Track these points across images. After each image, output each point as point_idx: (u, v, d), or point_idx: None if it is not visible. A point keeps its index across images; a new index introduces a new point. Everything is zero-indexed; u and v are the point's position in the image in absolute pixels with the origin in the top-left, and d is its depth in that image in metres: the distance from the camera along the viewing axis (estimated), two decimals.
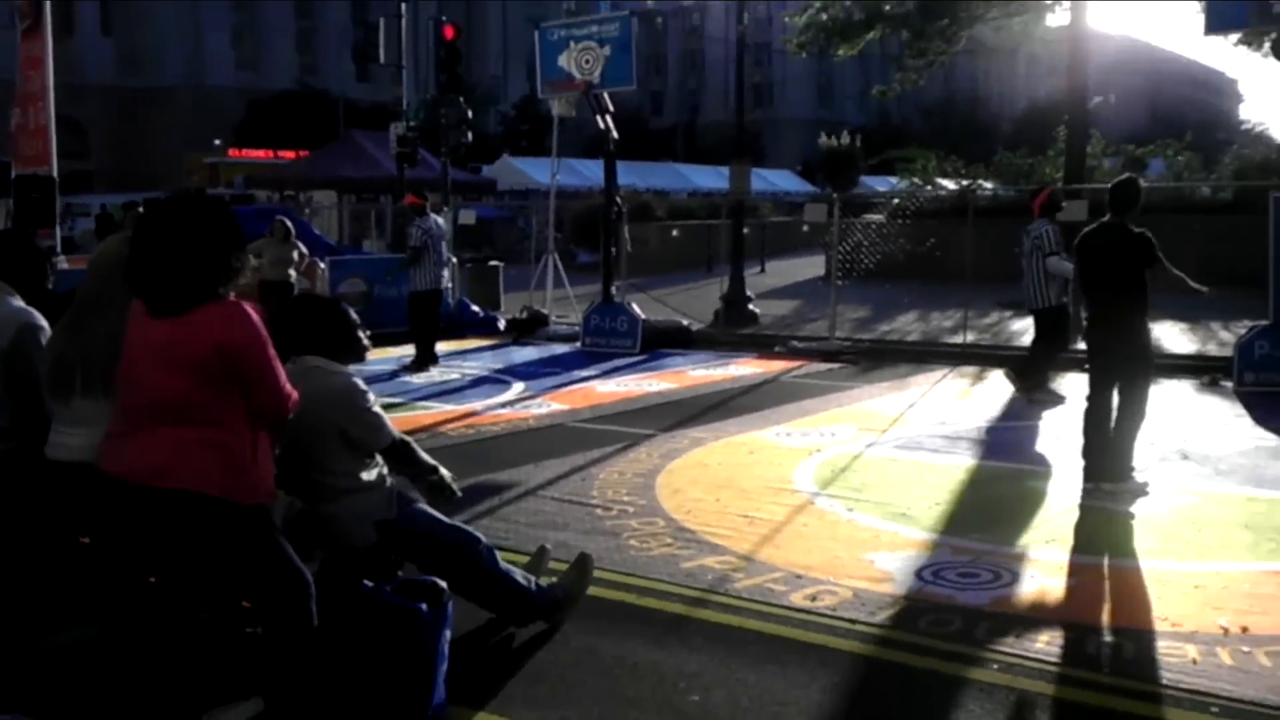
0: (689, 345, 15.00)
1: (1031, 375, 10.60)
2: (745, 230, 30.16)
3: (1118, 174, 15.92)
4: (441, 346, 14.42)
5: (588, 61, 14.39)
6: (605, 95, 14.59)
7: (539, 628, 4.74)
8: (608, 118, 14.52)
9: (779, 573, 5.47)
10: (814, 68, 79.09)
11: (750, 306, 16.77)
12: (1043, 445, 8.64)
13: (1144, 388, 6.98)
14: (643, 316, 14.71)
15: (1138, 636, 4.64)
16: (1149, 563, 5.61)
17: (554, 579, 4.93)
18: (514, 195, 37.02)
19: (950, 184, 26.93)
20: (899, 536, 6.11)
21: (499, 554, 4.66)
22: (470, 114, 18.76)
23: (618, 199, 15.02)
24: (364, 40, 50.70)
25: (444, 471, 4.59)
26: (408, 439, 4.53)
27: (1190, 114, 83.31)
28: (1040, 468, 7.81)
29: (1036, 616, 4.87)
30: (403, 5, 28.26)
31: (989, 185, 27.43)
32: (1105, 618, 4.87)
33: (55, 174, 15.04)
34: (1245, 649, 4.45)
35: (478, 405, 10.53)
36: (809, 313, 18.50)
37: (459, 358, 13.95)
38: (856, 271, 17.47)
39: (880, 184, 41.66)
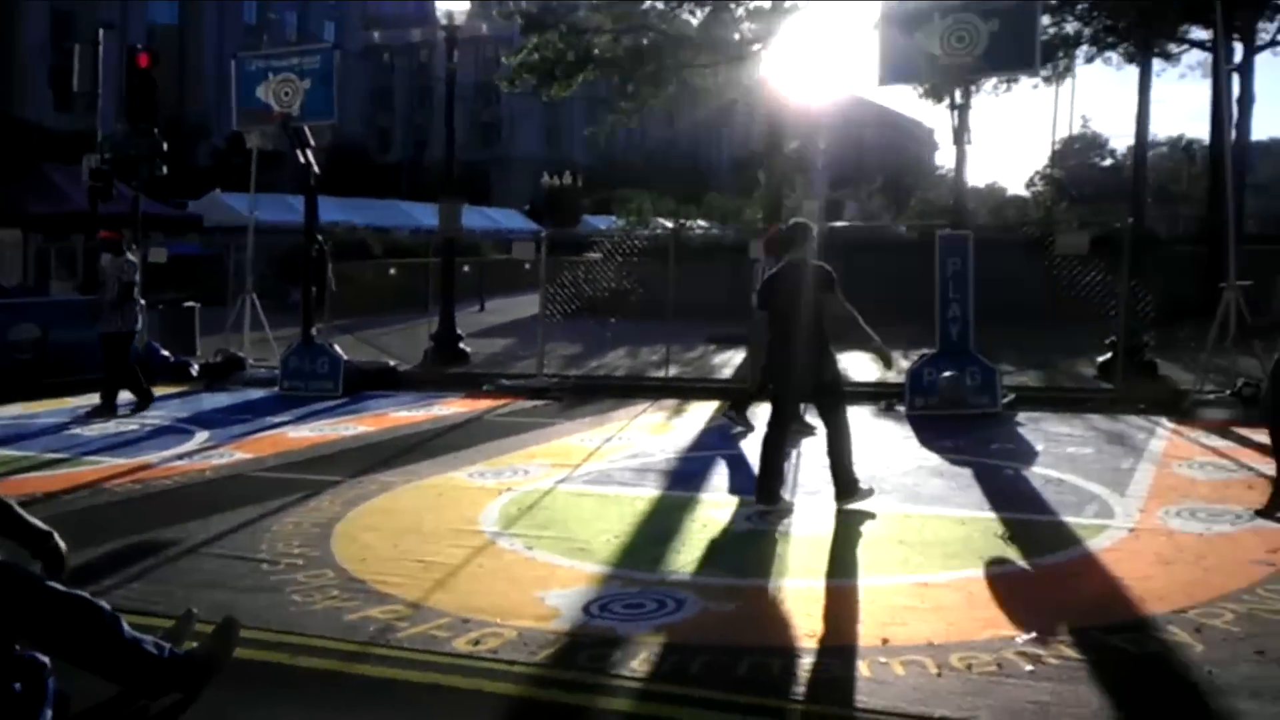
0: (395, 386, 14.68)
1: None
2: (465, 269, 30.22)
3: (816, 215, 17.03)
4: (123, 395, 13.58)
5: (287, 94, 13.90)
6: (306, 129, 14.12)
7: (174, 698, 4.39)
8: (308, 152, 14.06)
9: (446, 618, 5.31)
10: (543, 108, 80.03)
11: (461, 345, 16.59)
12: (729, 474, 8.86)
13: (843, 411, 7.43)
14: (345, 358, 14.27)
15: (786, 655, 4.75)
16: (807, 582, 5.80)
17: (194, 645, 4.60)
18: (223, 232, 35.35)
19: (667, 223, 27.75)
20: (574, 572, 6.09)
21: (147, 619, 4.29)
22: (165, 146, 17.71)
23: (319, 236, 14.53)
24: (59, 66, 47.39)
25: (58, 540, 4.17)
26: (9, 502, 4.11)
27: (892, 160, 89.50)
28: (721, 496, 8.02)
29: (692, 643, 4.92)
30: (100, 31, 26.58)
31: (703, 224, 28.50)
32: (757, 638, 4.98)
33: None
34: (883, 660, 4.64)
35: (153, 458, 9.85)
36: (522, 350, 18.48)
37: (136, 409, 13.06)
38: (570, 309, 17.67)
39: (603, 223, 42.61)
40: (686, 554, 6.41)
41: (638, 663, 4.69)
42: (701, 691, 4.39)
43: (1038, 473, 8.51)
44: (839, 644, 4.85)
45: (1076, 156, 71.87)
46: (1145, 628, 5.00)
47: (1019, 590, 5.62)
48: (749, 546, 6.60)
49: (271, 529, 7.14)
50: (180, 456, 9.94)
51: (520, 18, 20.53)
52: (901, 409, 11.52)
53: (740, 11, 19.62)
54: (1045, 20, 20.22)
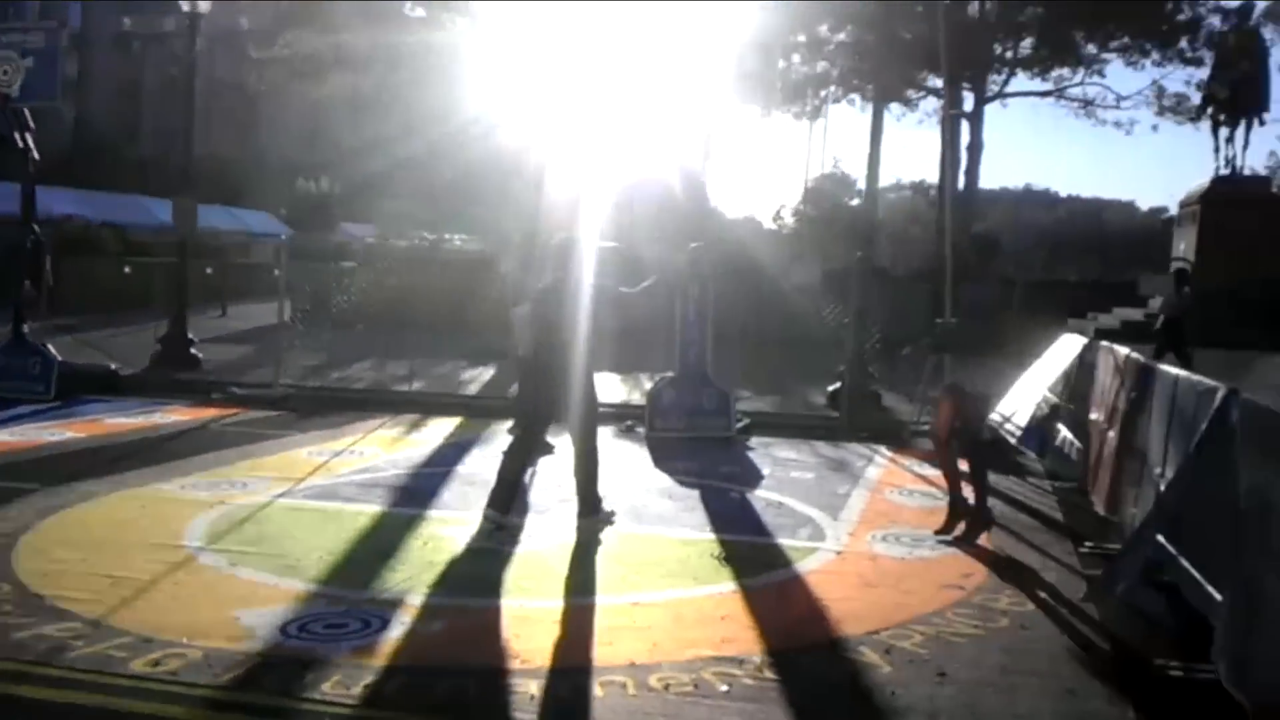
0: (116, 391, 13.77)
1: None
2: (209, 270, 28.84)
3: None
4: None
5: (5, 72, 12.84)
6: (26, 111, 13.08)
7: None
8: (28, 136, 13.04)
9: (127, 637, 4.96)
10: (306, 110, 77.48)
11: (192, 350, 15.75)
12: (457, 490, 8.69)
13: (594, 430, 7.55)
14: (59, 358, 13.28)
15: (485, 676, 4.67)
16: (520, 601, 5.74)
17: None
18: None
19: (430, 235, 27.36)
20: (278, 590, 5.81)
21: None
22: None
23: (35, 228, 13.49)
24: None
25: None
26: None
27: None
28: (448, 513, 7.85)
29: (392, 664, 4.77)
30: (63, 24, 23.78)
31: (462, 237, 28.23)
32: (459, 659, 4.87)
33: None
34: (581, 681, 4.62)
35: None
36: (261, 359, 17.72)
37: None
38: (318, 318, 17.09)
39: (363, 231, 41.50)
40: (401, 572, 6.24)
41: (330, 685, 4.51)
42: (394, 715, 4.25)
43: (760, 495, 8.76)
44: (541, 665, 4.81)
45: (828, 196, 75.64)
46: (839, 648, 5.18)
47: (726, 611, 5.73)
48: (468, 565, 6.48)
49: None
50: None
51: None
52: (641, 430, 11.66)
53: None
54: (797, 59, 21.18)
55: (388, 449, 10.47)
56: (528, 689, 4.52)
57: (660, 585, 6.11)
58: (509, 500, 7.35)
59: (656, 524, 7.66)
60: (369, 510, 7.81)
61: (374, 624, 5.28)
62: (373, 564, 6.37)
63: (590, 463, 7.45)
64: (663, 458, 10.34)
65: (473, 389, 14.95)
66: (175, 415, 12.19)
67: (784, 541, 7.25)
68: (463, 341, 18.45)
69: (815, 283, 12.32)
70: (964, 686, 4.73)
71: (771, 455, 10.78)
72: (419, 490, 8.62)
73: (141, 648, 4.84)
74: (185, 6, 14.90)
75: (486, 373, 16.29)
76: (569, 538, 7.13)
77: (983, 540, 7.19)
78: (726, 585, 6.20)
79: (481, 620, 5.47)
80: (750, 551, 6.99)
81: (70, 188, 42.85)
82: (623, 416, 12.30)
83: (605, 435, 11.43)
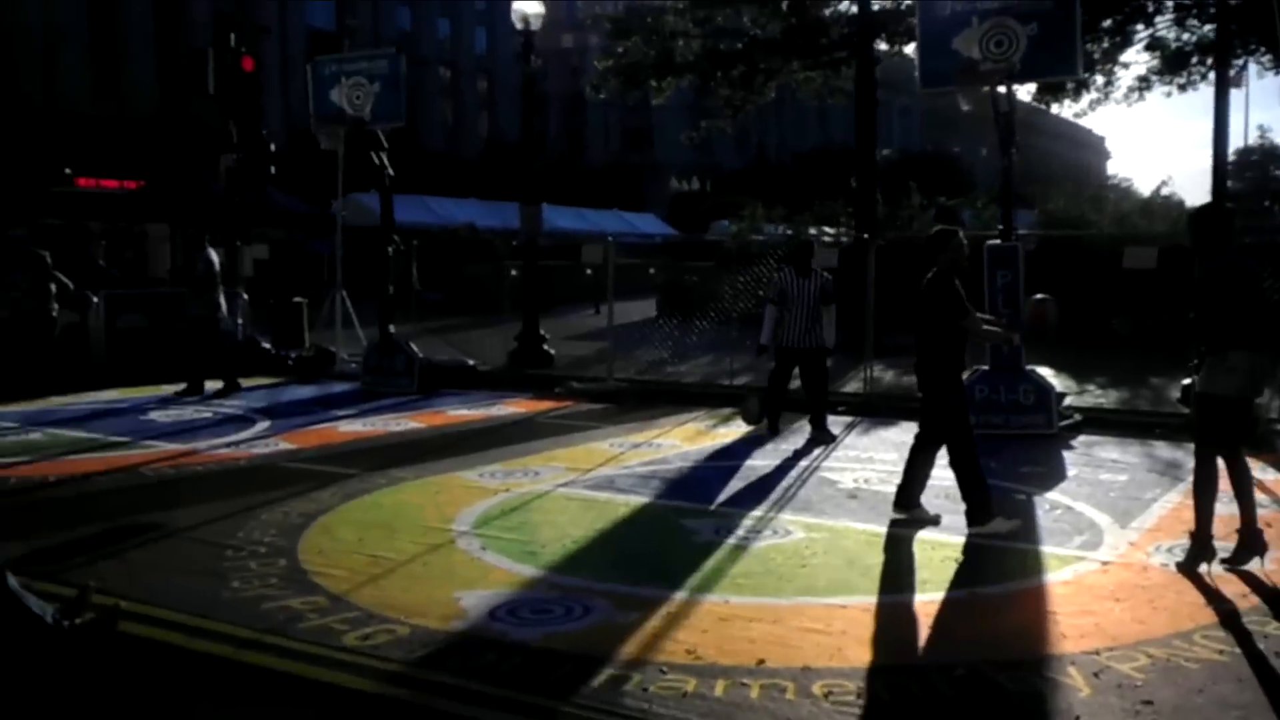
0: (473, 385, 14.98)
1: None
2: (589, 272, 30.57)
3: (933, 224, 16.60)
4: (214, 384, 14.29)
5: (358, 98, 14.36)
6: (380, 132, 14.56)
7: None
8: (382, 155, 14.50)
9: (355, 613, 5.46)
10: (692, 114, 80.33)
11: (545, 347, 16.82)
12: (733, 484, 8.74)
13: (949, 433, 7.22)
14: (420, 355, 14.65)
15: (650, 669, 4.72)
16: (725, 597, 5.73)
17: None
18: (363, 231, 36.73)
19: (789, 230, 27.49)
20: (510, 574, 6.16)
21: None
22: (272, 147, 18.46)
23: (396, 237, 14.96)
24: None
25: None
26: None
27: (1058, 168, 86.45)
28: (710, 506, 7.93)
29: (569, 651, 4.93)
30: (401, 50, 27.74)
31: (829, 231, 28.09)
32: (633, 652, 4.94)
33: None
34: (745, 681, 4.57)
35: (201, 444, 10.36)
36: (618, 354, 18.61)
37: (219, 399, 13.69)
38: (681, 313, 17.62)
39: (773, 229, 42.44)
40: (633, 562, 6.40)
41: (506, 668, 4.73)
42: (534, 699, 4.41)
43: (1049, 498, 8.17)
44: (714, 663, 4.79)
45: (1254, 169, 68.10)
46: (1042, 667, 4.78)
47: (940, 617, 5.43)
48: (701, 558, 6.53)
49: (261, 517, 7.43)
50: (229, 444, 10.40)
51: (608, 23, 20.71)
52: None
53: (828, 14, 19.36)
54: (1163, 21, 19.34)
55: (687, 442, 10.72)
56: (680, 687, 4.53)
57: (879, 588, 5.89)
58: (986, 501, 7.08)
59: (914, 524, 7.34)
60: (634, 501, 8.06)
61: (576, 611, 5.48)
62: (606, 553, 6.61)
63: (959, 465, 7.18)
64: None
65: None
66: (512, 407, 13.10)
67: (1047, 548, 6.75)
68: None
69: (1149, 263, 11.15)
70: (1165, 719, 4.22)
71: (1090, 455, 10.00)
72: (692, 482, 8.79)
73: (362, 622, 5.31)
74: (518, 24, 15.96)
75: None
76: (801, 535, 7.01)
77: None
78: (956, 591, 5.87)
79: (681, 615, 5.51)
80: (1002, 557, 6.57)
81: (479, 198, 47.02)
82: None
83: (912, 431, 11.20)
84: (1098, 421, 11.52)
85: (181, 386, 13.64)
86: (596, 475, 8.98)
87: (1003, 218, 11.57)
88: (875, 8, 18.70)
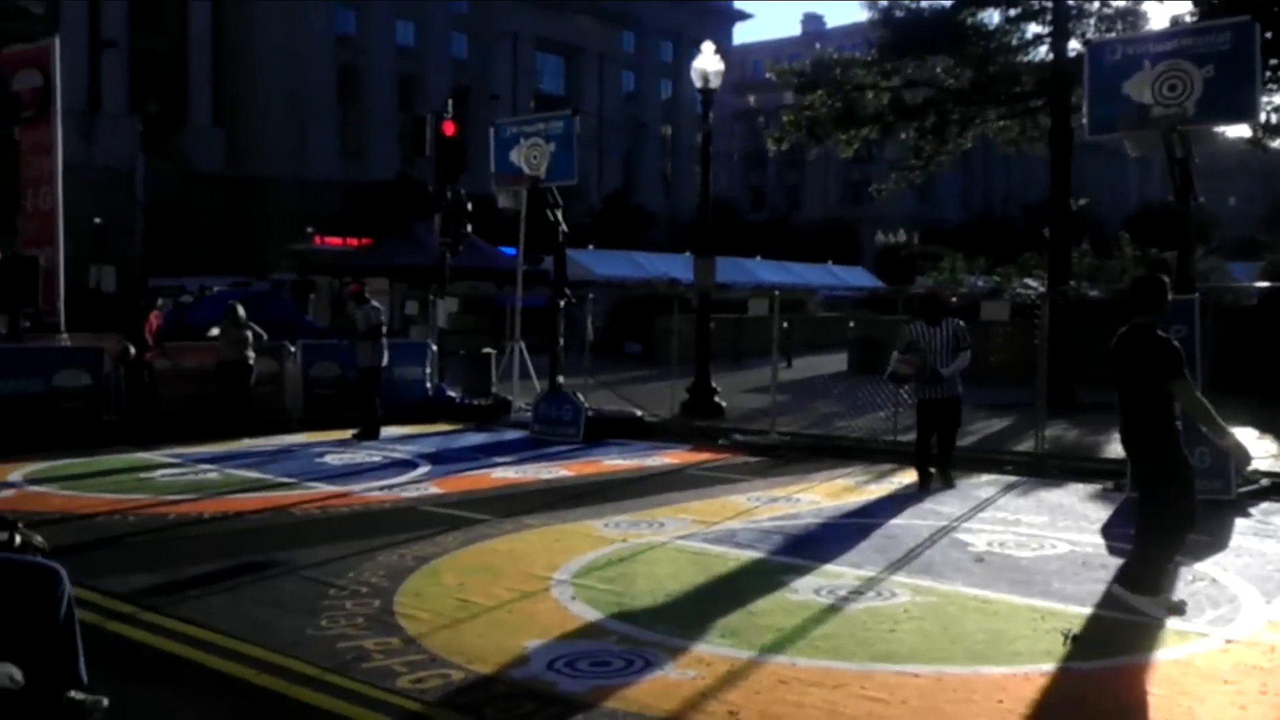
0: (639, 435, 15.09)
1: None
2: (785, 324, 30.41)
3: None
4: (396, 430, 14.96)
5: (535, 157, 14.83)
6: (554, 189, 14.98)
7: None
8: (556, 212, 14.90)
9: (422, 656, 5.56)
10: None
11: (716, 399, 16.80)
12: (857, 544, 8.44)
13: (1154, 501, 6.60)
14: (587, 406, 14.88)
15: None
16: (794, 659, 5.54)
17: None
18: (572, 286, 37.71)
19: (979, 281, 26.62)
20: (587, 624, 6.16)
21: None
22: (469, 205, 19.28)
23: (567, 290, 15.31)
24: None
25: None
26: None
27: None
28: (824, 565, 7.67)
29: (604, 708, 4.87)
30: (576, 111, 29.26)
31: (1030, 283, 27.06)
32: (671, 708, 4.83)
33: (61, 255, 16.04)
34: None
35: (357, 487, 10.81)
36: (792, 407, 18.42)
37: (402, 441, 14.28)
38: (870, 367, 17.31)
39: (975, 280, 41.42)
40: (716, 618, 6.27)
41: (541, 717, 4.72)
42: None
43: (1199, 569, 7.52)
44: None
45: None
46: None
47: (1016, 692, 5.08)
48: (789, 618, 6.33)
49: (378, 558, 7.69)
50: (383, 487, 10.83)
51: (795, 78, 20.65)
52: (1122, 493, 10.49)
53: (1022, 60, 18.69)
54: None
55: (830, 498, 10.45)
56: None
57: (962, 658, 5.55)
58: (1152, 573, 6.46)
59: (1036, 591, 6.91)
60: (746, 556, 7.91)
61: (635, 664, 5.42)
62: (694, 608, 6.49)
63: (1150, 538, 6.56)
64: (1122, 519, 9.24)
65: (972, 439, 14.28)
66: (668, 458, 13.12)
67: (1170, 623, 6.20)
68: (992, 394, 17.67)
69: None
70: None
71: (1264, 524, 9.21)
72: (815, 540, 8.55)
73: (423, 665, 5.41)
74: (697, 81, 16.16)
75: (998, 423, 15.51)
76: (904, 597, 6.69)
77: None
78: (1046, 665, 5.47)
79: (737, 675, 5.35)
80: (1116, 630, 6.09)
81: (685, 252, 47.54)
82: (1101, 473, 11.16)
83: (1080, 492, 10.59)
84: None
85: (356, 431, 14.30)
86: (720, 529, 8.87)
87: (1179, 268, 10.85)
88: (1071, 54, 17.98)
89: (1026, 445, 13.16)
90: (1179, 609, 6.32)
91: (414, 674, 5.29)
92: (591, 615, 6.33)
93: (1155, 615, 6.28)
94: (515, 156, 15.08)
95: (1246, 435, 13.90)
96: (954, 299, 11.86)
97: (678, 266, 42.60)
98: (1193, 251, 10.94)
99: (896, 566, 7.59)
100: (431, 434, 15.30)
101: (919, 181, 20.93)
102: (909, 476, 11.39)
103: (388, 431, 15.09)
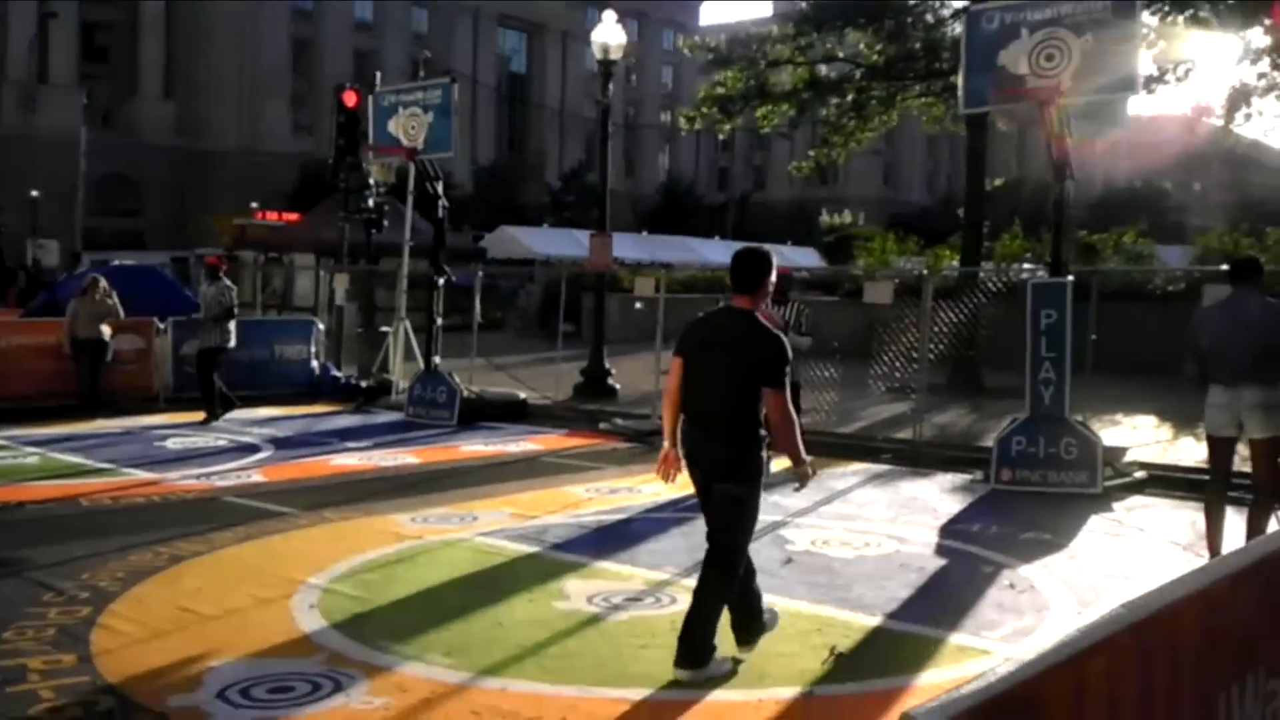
0: (519, 419, 14.39)
1: None
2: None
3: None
4: (267, 411, 14.27)
5: (413, 128, 14.02)
6: (433, 163, 14.17)
7: None
8: (437, 185, 14.14)
9: (81, 679, 4.89)
10: (881, 149, 78.56)
11: (609, 381, 16.12)
12: (667, 540, 7.78)
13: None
14: (461, 388, 14.16)
15: None
16: (507, 683, 4.88)
17: None
18: (511, 263, 36.97)
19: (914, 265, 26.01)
20: (298, 638, 5.50)
21: None
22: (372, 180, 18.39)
23: (445, 268, 14.55)
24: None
25: None
26: None
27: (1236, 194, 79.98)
28: (614, 567, 7.02)
29: None
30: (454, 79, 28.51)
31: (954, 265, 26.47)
32: None
33: None
34: None
35: (173, 474, 10.06)
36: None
37: (263, 424, 13.51)
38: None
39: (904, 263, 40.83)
40: (449, 633, 5.59)
41: None
42: None
43: (1021, 573, 6.89)
44: None
45: None
46: None
47: None
48: (540, 630, 5.65)
49: (128, 558, 6.99)
50: (201, 475, 10.07)
51: (708, 54, 19.93)
52: (985, 482, 9.91)
53: (937, 36, 17.97)
54: None
55: (679, 488, 9.67)
56: None
57: (701, 683, 4.90)
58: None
59: (831, 599, 6.26)
60: (538, 556, 7.25)
61: (323, 689, 4.77)
62: (437, 620, 5.80)
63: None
64: (973, 515, 8.67)
65: (858, 425, 13.64)
66: (532, 443, 12.44)
67: (956, 638, 5.59)
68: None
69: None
70: None
71: (1120, 521, 8.62)
72: (625, 536, 7.91)
73: (73, 691, 4.73)
74: (598, 54, 15.49)
75: (893, 409, 14.82)
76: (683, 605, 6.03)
77: None
78: (784, 690, 4.83)
79: (429, 699, 4.68)
80: (893, 647, 5.46)
81: (660, 234, 46.81)
82: (976, 463, 10.56)
83: (945, 483, 9.99)
84: (1169, 481, 9.99)
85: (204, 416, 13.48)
86: (534, 524, 8.18)
87: (1053, 253, 10.21)
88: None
89: (906, 433, 12.53)
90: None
91: (54, 702, 4.60)
92: (315, 628, 5.65)
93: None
94: (393, 127, 14.26)
95: (1146, 422, 13.43)
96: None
97: (627, 246, 41.89)
98: (1069, 233, 10.30)
99: (695, 568, 6.88)
100: (300, 415, 14.54)
101: (840, 160, 20.19)
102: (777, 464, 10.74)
103: (255, 413, 14.35)
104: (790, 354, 5.03)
